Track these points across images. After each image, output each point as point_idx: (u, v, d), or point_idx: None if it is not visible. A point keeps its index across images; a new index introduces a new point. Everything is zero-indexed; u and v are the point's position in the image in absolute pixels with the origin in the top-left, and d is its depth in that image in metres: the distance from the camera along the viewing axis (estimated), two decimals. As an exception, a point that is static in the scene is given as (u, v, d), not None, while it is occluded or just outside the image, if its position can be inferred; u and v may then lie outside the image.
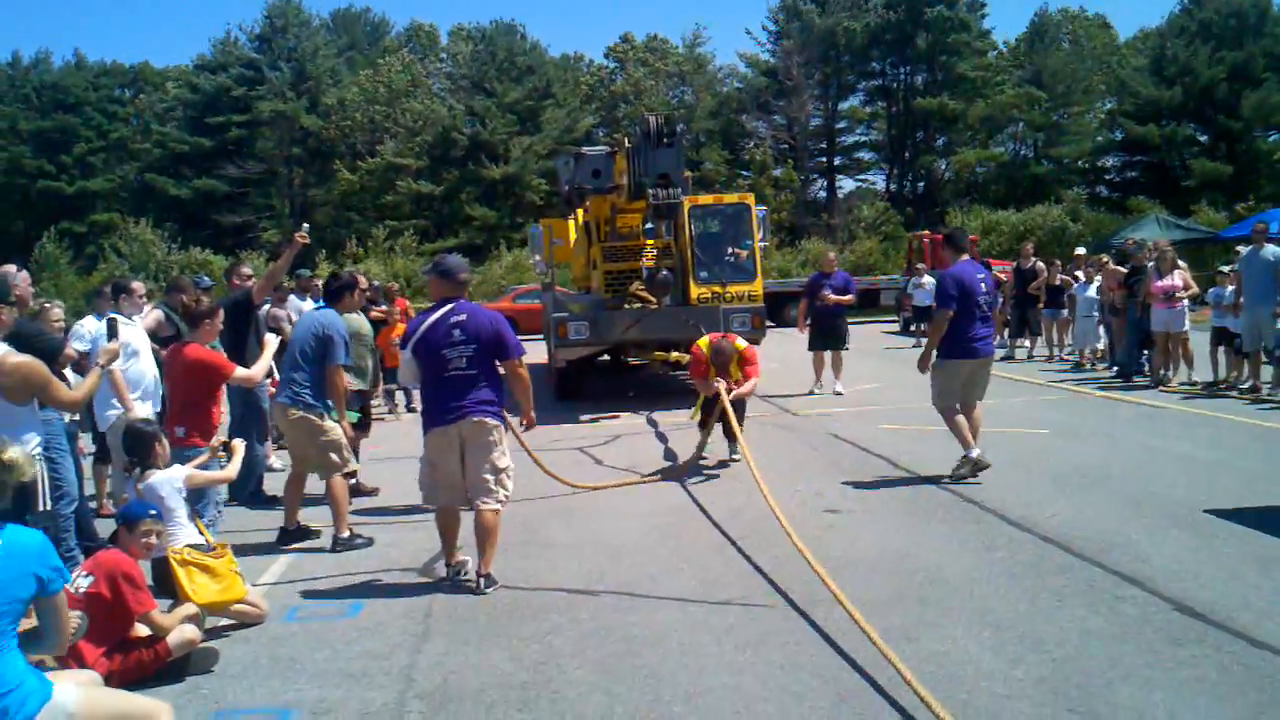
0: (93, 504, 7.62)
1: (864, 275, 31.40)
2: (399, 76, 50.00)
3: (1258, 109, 42.58)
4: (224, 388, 6.79)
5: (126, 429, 5.60)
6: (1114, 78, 49.73)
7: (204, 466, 5.85)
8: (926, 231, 31.71)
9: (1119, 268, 13.88)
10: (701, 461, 8.89)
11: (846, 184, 55.88)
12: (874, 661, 4.37)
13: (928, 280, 21.89)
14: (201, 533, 5.34)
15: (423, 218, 47.55)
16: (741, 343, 8.97)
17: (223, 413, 6.53)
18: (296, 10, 54.70)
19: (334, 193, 49.02)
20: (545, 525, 7.08)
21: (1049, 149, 50.57)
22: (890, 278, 30.98)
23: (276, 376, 7.89)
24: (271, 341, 6.77)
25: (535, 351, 20.72)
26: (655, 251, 13.10)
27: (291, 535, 6.87)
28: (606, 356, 14.48)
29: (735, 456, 8.91)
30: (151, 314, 8.39)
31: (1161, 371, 12.81)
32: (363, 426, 8.52)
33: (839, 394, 13.04)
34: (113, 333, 5.97)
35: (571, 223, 16.29)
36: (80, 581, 4.40)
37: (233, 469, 5.89)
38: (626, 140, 13.72)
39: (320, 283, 10.21)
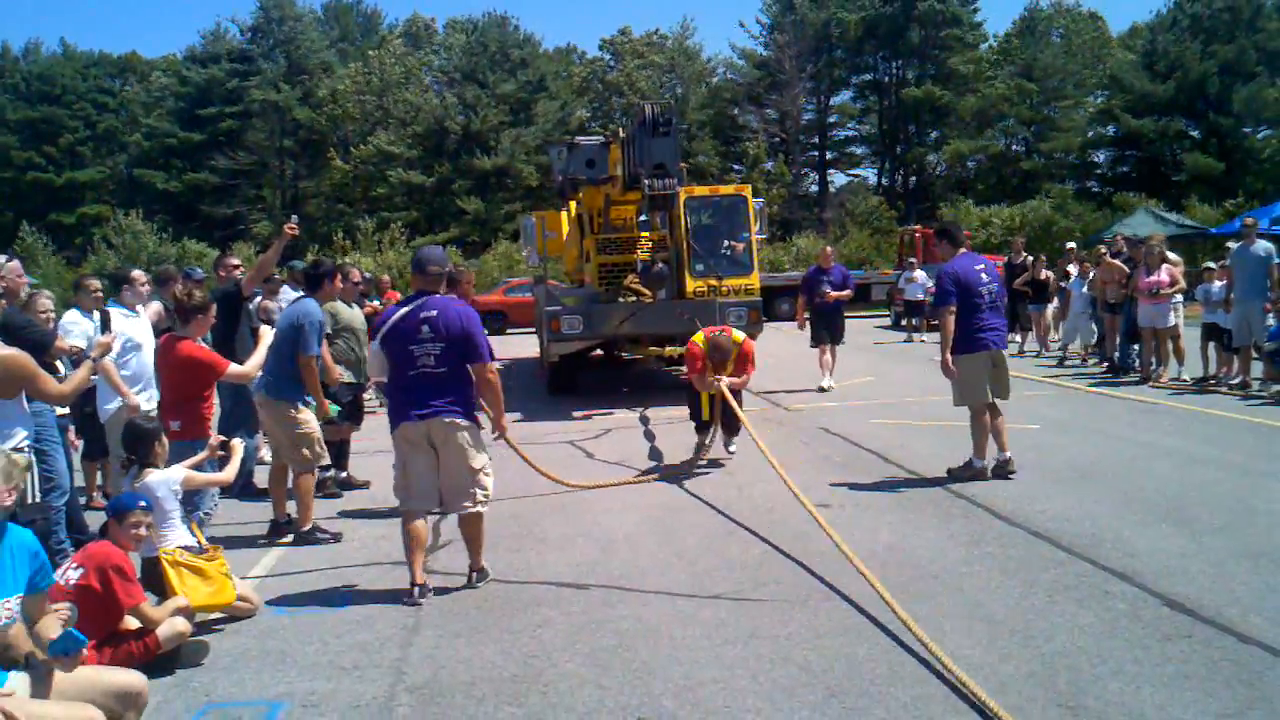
0: (82, 498, 7.59)
1: (855, 269, 31.37)
2: (393, 67, 49.84)
3: (1249, 104, 42.67)
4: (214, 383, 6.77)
5: (127, 426, 5.53)
6: (1104, 72, 49.79)
7: (200, 466, 5.81)
8: (918, 226, 31.74)
9: (1116, 263, 13.84)
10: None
11: (838, 178, 56.06)
12: (863, 656, 4.40)
13: (919, 274, 21.94)
14: (194, 534, 5.31)
15: (414, 209, 47.46)
16: (739, 334, 8.75)
17: (214, 406, 6.50)
18: (290, 3, 54.51)
19: (325, 184, 48.91)
20: (537, 519, 7.07)
21: (1039, 143, 50.63)
22: (891, 275, 30.93)
23: None
24: (266, 334, 6.75)
25: (527, 345, 20.76)
26: (650, 244, 12.98)
27: (282, 528, 6.87)
28: (600, 351, 14.40)
29: (731, 451, 8.88)
30: (151, 306, 8.33)
31: (1151, 367, 12.85)
32: (355, 419, 8.51)
33: (827, 389, 12.97)
34: (105, 325, 5.92)
35: (564, 215, 16.11)
36: (70, 574, 4.39)
37: (230, 471, 5.82)
38: (621, 130, 13.58)
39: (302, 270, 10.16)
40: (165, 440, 5.48)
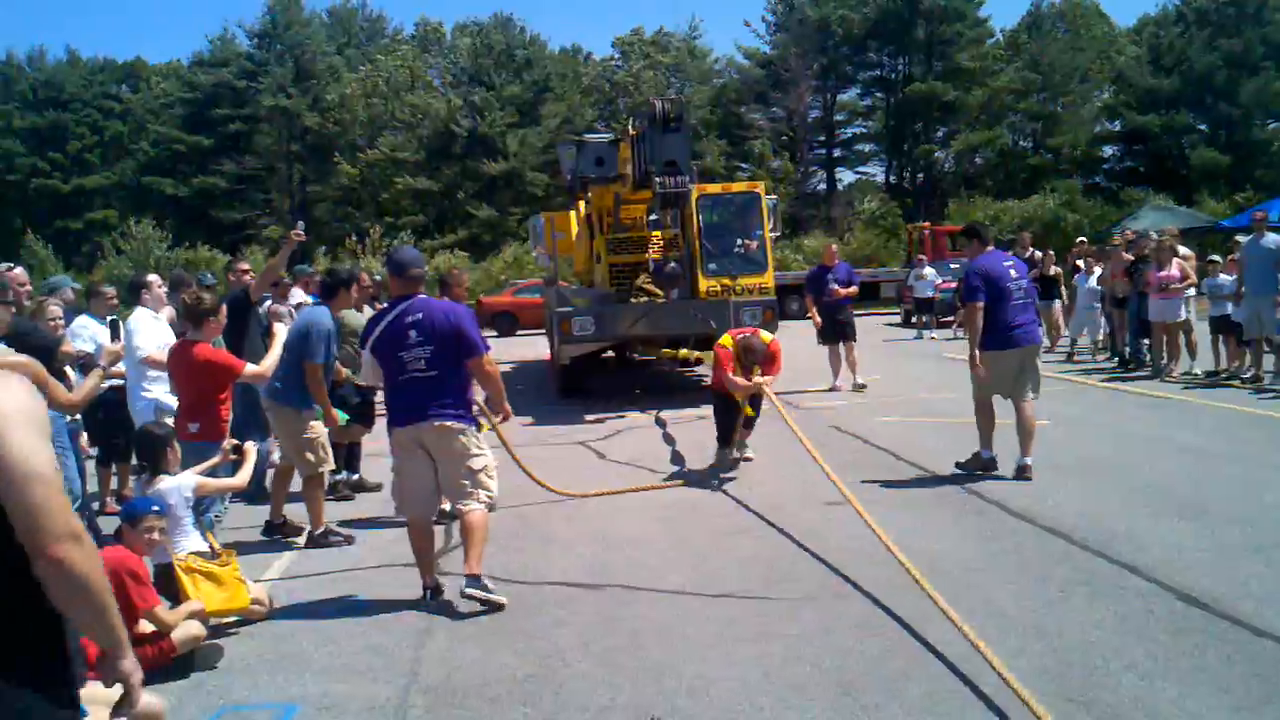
0: (95, 504, 7.63)
1: (864, 267, 31.29)
2: (401, 71, 49.91)
3: (1256, 97, 42.50)
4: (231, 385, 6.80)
5: (139, 432, 5.52)
6: (1111, 67, 49.60)
7: (213, 471, 5.82)
8: (926, 223, 31.71)
9: (1124, 254, 13.78)
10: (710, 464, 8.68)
11: (846, 176, 55.94)
12: (877, 653, 4.39)
13: (928, 271, 21.89)
14: (207, 539, 5.32)
15: (422, 214, 47.50)
16: (767, 335, 8.47)
17: (230, 409, 6.52)
18: (298, 7, 54.67)
19: (333, 186, 48.99)
20: (545, 519, 7.08)
21: (1046, 139, 50.46)
22: (906, 273, 30.85)
23: None
24: (281, 332, 6.76)
25: (536, 346, 20.76)
26: (662, 243, 12.84)
27: (276, 528, 6.92)
28: (612, 353, 14.26)
29: (749, 455, 8.72)
30: (165, 310, 8.36)
31: (1162, 362, 12.81)
32: (366, 422, 8.52)
33: (862, 386, 12.74)
34: (115, 333, 5.94)
35: (573, 215, 15.94)
36: (84, 579, 4.39)
37: (243, 476, 5.83)
38: (630, 128, 13.34)
39: (319, 278, 10.18)
40: (177, 446, 5.49)
